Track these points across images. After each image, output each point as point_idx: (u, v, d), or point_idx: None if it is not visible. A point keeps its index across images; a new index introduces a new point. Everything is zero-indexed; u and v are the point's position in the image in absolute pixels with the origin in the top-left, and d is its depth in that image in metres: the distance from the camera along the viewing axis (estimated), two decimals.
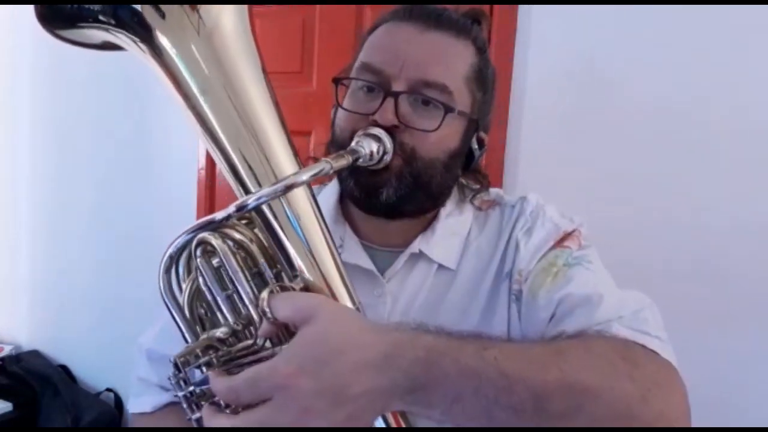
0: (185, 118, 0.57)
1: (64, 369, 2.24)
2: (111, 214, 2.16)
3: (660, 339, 0.60)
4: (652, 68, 1.23)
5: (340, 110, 0.74)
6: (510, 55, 1.34)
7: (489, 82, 0.77)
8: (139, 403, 0.82)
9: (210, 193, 1.90)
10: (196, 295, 0.61)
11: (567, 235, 0.74)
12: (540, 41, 1.33)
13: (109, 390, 2.16)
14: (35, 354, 2.31)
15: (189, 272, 0.61)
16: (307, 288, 0.55)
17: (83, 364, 2.25)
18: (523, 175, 1.35)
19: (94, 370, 2.22)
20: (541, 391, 0.49)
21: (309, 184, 0.57)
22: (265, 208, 0.55)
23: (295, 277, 0.56)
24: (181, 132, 1.95)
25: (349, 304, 0.57)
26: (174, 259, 0.60)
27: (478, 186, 0.82)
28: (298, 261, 0.56)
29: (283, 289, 0.54)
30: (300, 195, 0.57)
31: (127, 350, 2.07)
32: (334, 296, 0.56)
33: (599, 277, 0.70)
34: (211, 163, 1.88)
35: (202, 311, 0.61)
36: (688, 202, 1.21)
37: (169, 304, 0.61)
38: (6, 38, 2.36)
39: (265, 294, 0.52)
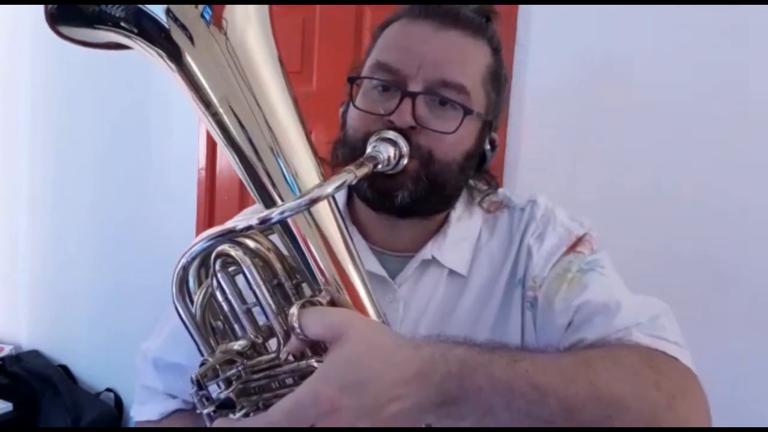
0: (207, 127, 0.55)
1: (64, 369, 2.22)
2: (111, 214, 2.13)
3: (678, 345, 0.60)
4: (653, 67, 1.23)
5: (352, 109, 0.72)
6: (510, 56, 1.32)
7: (502, 83, 0.77)
8: (145, 410, 0.80)
9: (210, 193, 1.87)
10: (209, 305, 0.59)
11: (579, 240, 0.74)
12: (540, 41, 1.32)
13: (109, 390, 2.13)
14: (35, 354, 2.30)
15: (200, 282, 0.60)
16: (333, 302, 0.54)
17: (83, 364, 2.22)
18: (522, 177, 1.35)
19: (94, 370, 2.20)
20: (572, 404, 0.50)
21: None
22: (288, 220, 0.54)
23: (320, 290, 0.55)
24: (182, 131, 1.92)
25: (375, 318, 0.57)
26: (188, 269, 0.59)
27: (486, 187, 0.81)
28: (324, 274, 0.55)
29: (311, 304, 0.52)
30: (324, 206, 0.56)
31: (127, 350, 2.00)
32: (361, 310, 0.55)
33: (614, 282, 0.71)
34: (211, 163, 1.85)
35: (218, 323, 0.60)
36: (694, 201, 1.20)
37: (183, 315, 0.59)
38: (6, 38, 2.32)
39: (294, 310, 0.50)
